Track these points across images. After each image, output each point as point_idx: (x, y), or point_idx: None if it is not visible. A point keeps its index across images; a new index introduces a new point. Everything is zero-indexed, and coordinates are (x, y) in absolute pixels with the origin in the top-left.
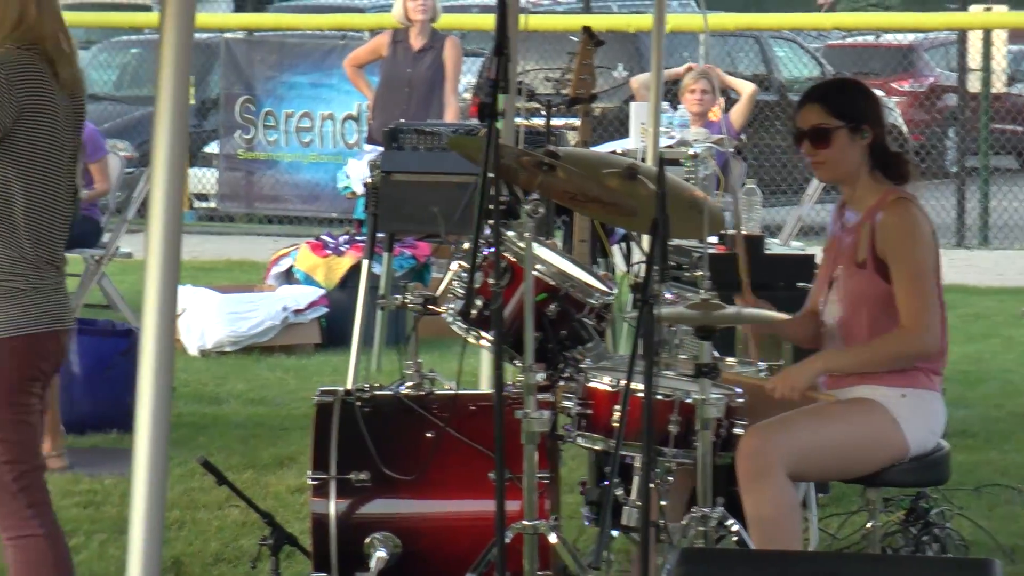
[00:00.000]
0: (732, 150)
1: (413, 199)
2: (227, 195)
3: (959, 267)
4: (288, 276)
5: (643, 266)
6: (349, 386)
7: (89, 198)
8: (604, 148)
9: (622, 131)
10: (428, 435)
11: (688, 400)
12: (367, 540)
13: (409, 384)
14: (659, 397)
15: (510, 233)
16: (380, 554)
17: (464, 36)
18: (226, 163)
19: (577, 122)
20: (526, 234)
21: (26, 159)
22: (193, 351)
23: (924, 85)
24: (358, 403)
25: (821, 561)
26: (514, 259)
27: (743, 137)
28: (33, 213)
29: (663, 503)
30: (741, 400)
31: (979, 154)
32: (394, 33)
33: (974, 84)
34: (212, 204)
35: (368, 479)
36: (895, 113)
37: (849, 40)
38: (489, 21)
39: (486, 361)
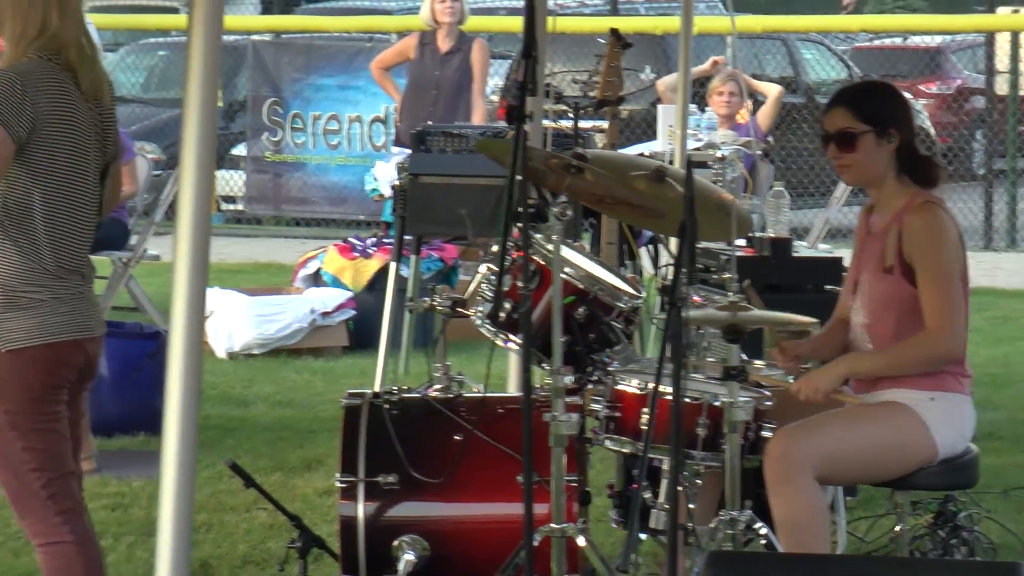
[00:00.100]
0: (760, 152)
1: (441, 201)
2: (254, 197)
3: (987, 270)
4: (316, 279)
5: (671, 269)
6: (377, 389)
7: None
8: (631, 150)
9: (649, 133)
10: (456, 438)
11: (716, 403)
12: (395, 543)
13: (437, 387)
14: (687, 400)
15: (538, 236)
16: (408, 557)
17: (491, 38)
18: (253, 165)
19: (605, 124)
20: (554, 237)
21: (47, 169)
22: (221, 353)
23: (952, 87)
24: (386, 406)
25: (849, 564)
26: (542, 262)
27: (770, 139)
28: (55, 222)
29: (691, 506)
30: (769, 403)
31: (1007, 156)
32: (422, 35)
33: (1002, 86)
34: (239, 206)
35: (396, 482)
36: (923, 115)
37: (876, 42)
38: (516, 23)
39: (514, 364)
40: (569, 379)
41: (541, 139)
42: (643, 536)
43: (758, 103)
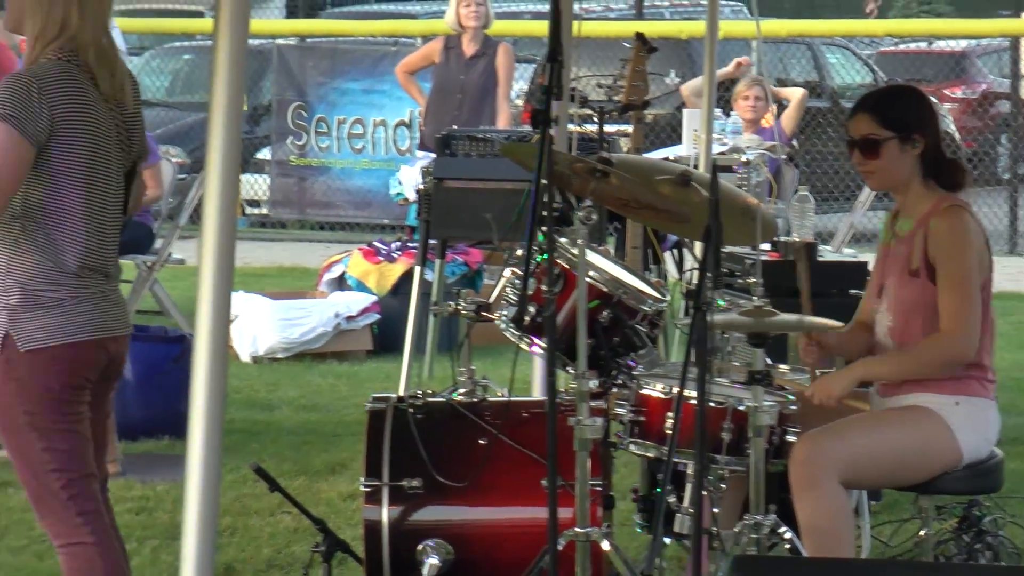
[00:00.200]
0: (784, 157)
1: (465, 205)
2: (279, 201)
3: (1012, 274)
4: (340, 283)
5: (696, 273)
6: (401, 393)
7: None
8: (656, 155)
9: (674, 138)
10: (480, 442)
11: (741, 407)
12: (419, 547)
13: (461, 391)
14: (712, 404)
15: (563, 240)
16: (432, 561)
17: (516, 43)
18: (278, 169)
19: (629, 129)
20: (579, 241)
21: (66, 168)
22: (245, 358)
23: (976, 92)
24: (410, 410)
25: (874, 569)
26: (567, 266)
27: (795, 143)
28: (75, 222)
29: (715, 510)
30: (794, 407)
31: None
32: (446, 40)
33: None
34: (264, 210)
35: (420, 486)
36: (948, 120)
37: (901, 47)
38: (541, 28)
39: (538, 368)
40: (593, 383)
41: (566, 143)
42: (667, 540)
43: (782, 107)
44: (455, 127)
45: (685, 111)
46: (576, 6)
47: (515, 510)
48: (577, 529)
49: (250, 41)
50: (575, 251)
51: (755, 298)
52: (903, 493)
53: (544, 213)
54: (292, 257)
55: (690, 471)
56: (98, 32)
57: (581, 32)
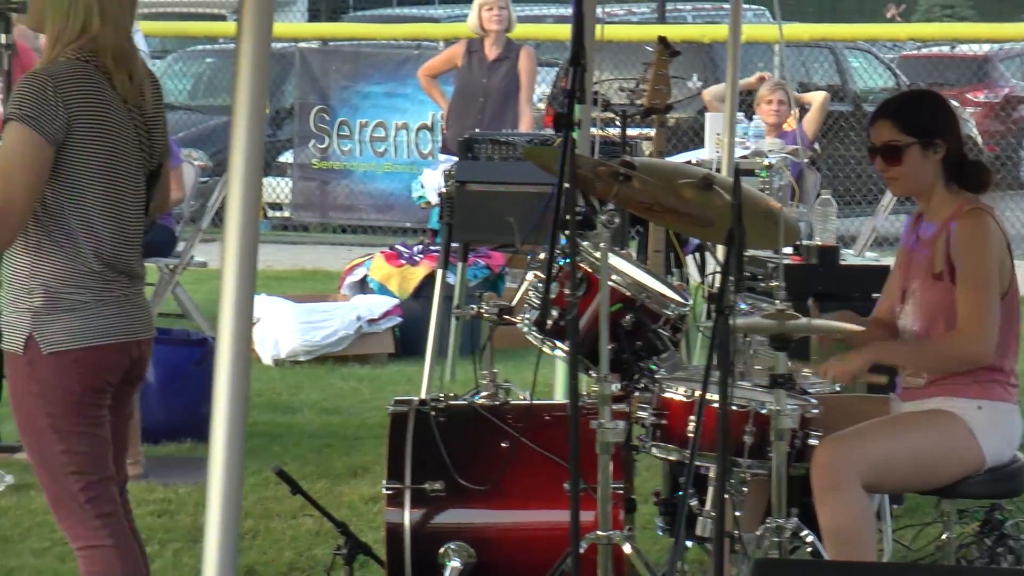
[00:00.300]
0: (806, 160)
1: (488, 209)
2: (301, 205)
3: None
4: (362, 286)
5: (718, 276)
6: (423, 396)
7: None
8: (679, 158)
9: (696, 141)
10: (503, 445)
11: (763, 411)
12: (441, 550)
13: (484, 394)
14: (734, 408)
15: (586, 243)
16: (454, 564)
17: (539, 46)
18: (300, 173)
19: (652, 132)
20: (602, 244)
21: (84, 168)
22: (267, 360)
23: (999, 96)
24: (433, 413)
25: (896, 572)
26: (590, 269)
27: (817, 147)
28: (95, 223)
29: (737, 514)
30: (816, 411)
31: None
32: (469, 43)
33: None
34: (286, 213)
35: (443, 489)
36: (970, 124)
37: (924, 51)
38: (564, 31)
39: (561, 371)
40: (616, 386)
41: (589, 147)
42: (689, 544)
43: (804, 110)
44: (477, 130)
45: (707, 115)
46: (599, 10)
47: (537, 513)
48: (599, 532)
49: (273, 44)
50: (598, 255)
51: (777, 302)
52: (925, 497)
53: (567, 217)
54: (314, 260)
55: (712, 474)
56: (119, 36)
57: (604, 36)
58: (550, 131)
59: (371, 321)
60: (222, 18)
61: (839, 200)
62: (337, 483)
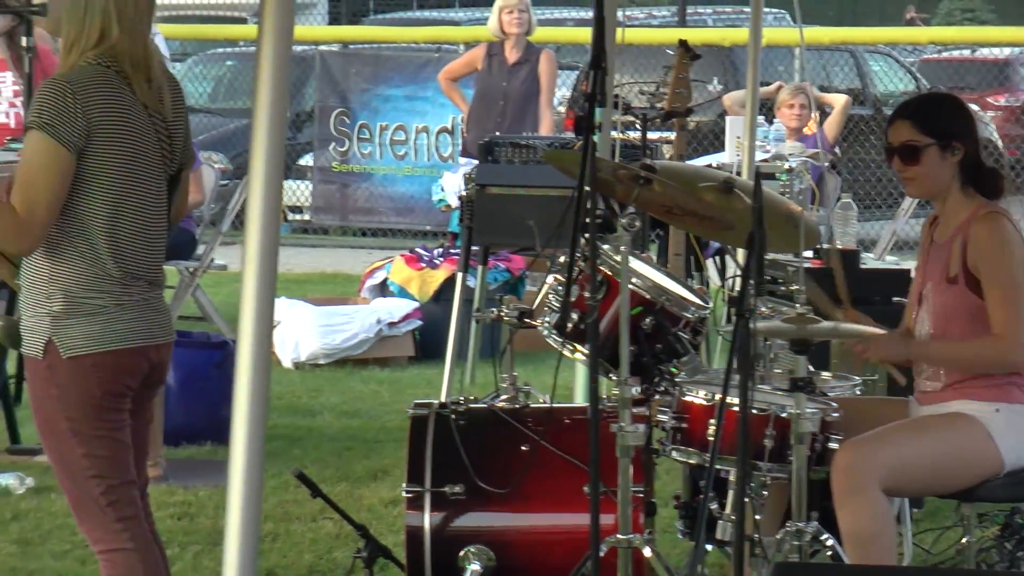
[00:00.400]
0: (827, 164)
1: (508, 212)
2: (321, 208)
3: None
4: (382, 289)
5: (738, 280)
6: (443, 399)
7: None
8: (699, 162)
9: (717, 145)
10: (523, 448)
11: (783, 414)
12: (461, 553)
13: (504, 397)
14: (754, 411)
15: (606, 247)
16: (474, 567)
17: (559, 49)
18: (320, 176)
19: (672, 136)
20: (622, 247)
21: (104, 173)
22: (287, 363)
23: (1020, 100)
24: (452, 416)
25: None
26: (610, 272)
27: (837, 150)
28: (116, 228)
29: (758, 517)
30: (836, 414)
31: None
32: (489, 46)
33: None
34: (306, 217)
35: (462, 492)
36: (990, 128)
37: (944, 54)
38: (584, 34)
39: (581, 375)
40: (636, 390)
41: (609, 150)
42: (709, 547)
43: (824, 114)
44: (498, 134)
45: (728, 118)
46: (619, 13)
47: (557, 516)
48: (619, 536)
49: (293, 47)
50: (618, 258)
51: (798, 305)
52: (945, 501)
53: (587, 220)
54: (334, 263)
55: (732, 478)
56: (136, 42)
57: (624, 39)
58: (570, 134)
59: (391, 324)
60: (243, 21)
61: (859, 204)
62: (357, 486)
